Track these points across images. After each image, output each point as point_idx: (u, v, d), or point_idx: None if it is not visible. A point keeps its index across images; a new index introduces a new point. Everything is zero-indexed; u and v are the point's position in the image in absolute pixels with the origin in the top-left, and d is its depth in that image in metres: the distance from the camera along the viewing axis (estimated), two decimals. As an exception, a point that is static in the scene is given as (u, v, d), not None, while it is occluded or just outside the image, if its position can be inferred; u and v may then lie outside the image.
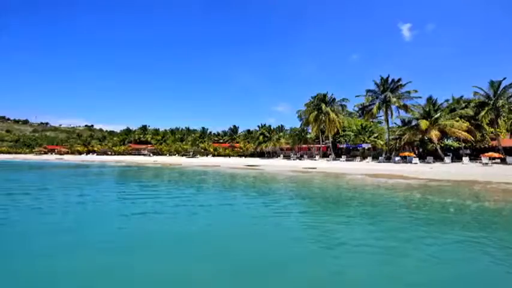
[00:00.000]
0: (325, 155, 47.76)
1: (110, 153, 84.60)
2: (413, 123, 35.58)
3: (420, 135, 34.48)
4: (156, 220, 9.02)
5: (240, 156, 59.10)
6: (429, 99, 35.49)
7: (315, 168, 30.09)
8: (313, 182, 19.94)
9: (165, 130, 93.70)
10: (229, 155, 60.98)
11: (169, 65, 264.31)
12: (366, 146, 41.12)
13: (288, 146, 55.53)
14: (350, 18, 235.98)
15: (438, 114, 32.61)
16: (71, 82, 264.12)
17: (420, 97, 36.21)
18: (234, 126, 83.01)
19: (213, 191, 15.91)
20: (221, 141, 79.05)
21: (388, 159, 35.65)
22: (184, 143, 78.20)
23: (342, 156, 41.51)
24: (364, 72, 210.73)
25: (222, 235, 7.48)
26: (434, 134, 30.90)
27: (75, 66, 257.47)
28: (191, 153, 67.25)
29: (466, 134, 30.85)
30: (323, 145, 49.54)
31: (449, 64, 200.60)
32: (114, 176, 26.80)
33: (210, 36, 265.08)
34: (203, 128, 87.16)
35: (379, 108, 37.61)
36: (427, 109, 33.76)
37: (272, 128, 59.81)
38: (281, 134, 59.51)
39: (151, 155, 74.28)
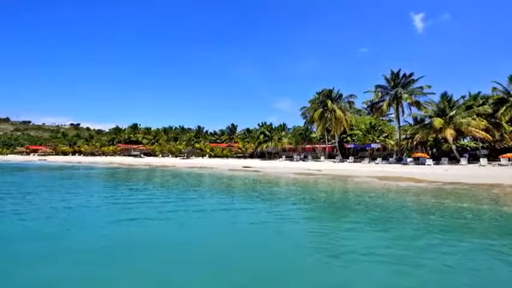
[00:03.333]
0: (331, 156, 47.75)
1: (97, 153, 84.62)
2: (427, 121, 35.56)
3: (434, 135, 34.47)
4: (146, 227, 8.98)
5: (239, 157, 59.10)
6: (444, 95, 35.49)
7: (320, 170, 30.08)
8: (318, 186, 19.91)
9: (158, 129, 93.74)
10: (227, 156, 61.00)
11: (162, 60, 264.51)
12: (375, 146, 41.12)
13: (290, 146, 55.52)
14: (358, 8, 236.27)
15: (453, 112, 32.60)
16: (56, 77, 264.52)
17: (434, 93, 36.24)
18: (233, 124, 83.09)
19: (210, 195, 15.88)
20: (218, 141, 79.08)
21: (399, 160, 35.65)
22: (178, 143, 78.21)
23: (350, 157, 41.50)
24: (373, 67, 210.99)
25: (219, 244, 7.43)
26: (449, 133, 30.89)
27: (60, 61, 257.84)
28: (186, 154, 67.27)
29: (483, 133, 30.83)
30: (329, 145, 49.54)
31: (466, 58, 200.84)
32: (101, 178, 26.77)
33: (205, 29, 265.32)
34: (199, 126, 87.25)
35: (389, 105, 37.61)
36: (442, 106, 33.75)
37: (273, 126, 59.83)
38: (283, 133, 59.52)
39: (142, 156, 74.29)
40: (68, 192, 16.40)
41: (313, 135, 50.56)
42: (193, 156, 63.95)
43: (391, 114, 44.60)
